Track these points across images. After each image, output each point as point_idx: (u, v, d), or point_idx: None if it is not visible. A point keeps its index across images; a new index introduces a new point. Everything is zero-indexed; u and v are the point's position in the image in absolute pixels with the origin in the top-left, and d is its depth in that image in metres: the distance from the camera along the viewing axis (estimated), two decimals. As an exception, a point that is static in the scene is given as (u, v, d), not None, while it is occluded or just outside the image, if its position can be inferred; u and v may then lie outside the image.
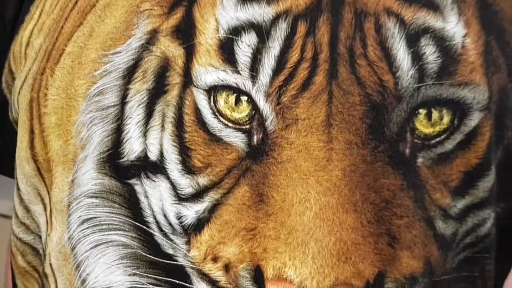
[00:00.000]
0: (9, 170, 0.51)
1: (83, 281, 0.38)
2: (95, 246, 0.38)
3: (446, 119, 0.35)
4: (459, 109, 0.35)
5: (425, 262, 0.35)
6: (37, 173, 0.41)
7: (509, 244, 0.42)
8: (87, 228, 0.38)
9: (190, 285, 0.36)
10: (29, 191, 0.42)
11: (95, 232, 0.38)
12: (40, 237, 0.43)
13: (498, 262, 0.41)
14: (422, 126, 0.35)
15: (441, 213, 0.36)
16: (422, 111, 0.35)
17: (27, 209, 0.43)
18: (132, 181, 0.37)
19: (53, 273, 0.40)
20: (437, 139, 0.35)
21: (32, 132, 0.40)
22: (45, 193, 0.41)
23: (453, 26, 0.34)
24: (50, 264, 0.40)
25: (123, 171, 0.37)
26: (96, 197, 0.38)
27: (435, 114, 0.35)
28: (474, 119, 0.35)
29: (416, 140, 0.35)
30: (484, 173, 0.36)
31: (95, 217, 0.38)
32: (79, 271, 0.38)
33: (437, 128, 0.35)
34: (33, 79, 0.40)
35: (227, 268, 0.34)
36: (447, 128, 0.35)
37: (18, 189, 0.42)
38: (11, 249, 0.46)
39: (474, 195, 0.36)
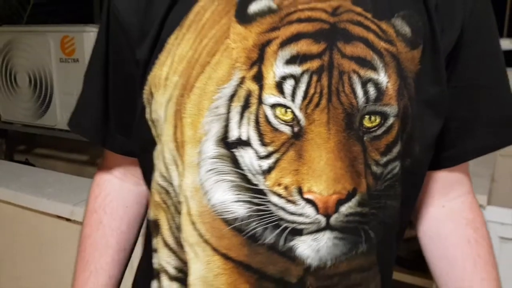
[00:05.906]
0: (135, 151, 0.75)
1: (209, 200, 0.62)
2: (216, 182, 0.61)
3: (377, 120, 0.60)
4: (383, 116, 0.60)
5: (367, 184, 0.61)
6: (176, 148, 0.67)
7: (412, 183, 0.69)
8: (211, 173, 0.62)
9: (267, 197, 0.60)
10: (169, 157, 0.68)
11: (215, 175, 0.62)
12: (171, 184, 0.68)
13: (406, 192, 0.65)
14: (366, 123, 0.59)
15: (374, 162, 0.61)
16: (367, 116, 0.59)
17: (166, 167, 0.68)
18: (234, 150, 0.60)
19: (186, 200, 0.64)
20: (373, 129, 0.60)
21: (175, 127, 0.64)
22: (178, 159, 0.67)
23: (382, 77, 0.59)
24: (185, 196, 0.64)
25: (229, 145, 0.61)
26: (215, 158, 0.61)
27: (372, 118, 0.59)
28: (390, 121, 0.60)
29: (364, 129, 0.59)
30: (395, 145, 0.62)
31: (215, 168, 0.62)
32: (206, 195, 0.62)
33: (374, 124, 0.60)
34: (176, 98, 0.64)
35: (286, 188, 0.59)
36: (378, 124, 0.60)
37: (163, 155, 0.68)
38: (150, 190, 0.73)
39: (390, 155, 0.62)
